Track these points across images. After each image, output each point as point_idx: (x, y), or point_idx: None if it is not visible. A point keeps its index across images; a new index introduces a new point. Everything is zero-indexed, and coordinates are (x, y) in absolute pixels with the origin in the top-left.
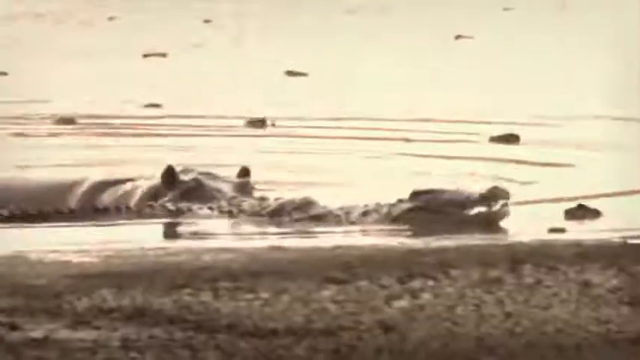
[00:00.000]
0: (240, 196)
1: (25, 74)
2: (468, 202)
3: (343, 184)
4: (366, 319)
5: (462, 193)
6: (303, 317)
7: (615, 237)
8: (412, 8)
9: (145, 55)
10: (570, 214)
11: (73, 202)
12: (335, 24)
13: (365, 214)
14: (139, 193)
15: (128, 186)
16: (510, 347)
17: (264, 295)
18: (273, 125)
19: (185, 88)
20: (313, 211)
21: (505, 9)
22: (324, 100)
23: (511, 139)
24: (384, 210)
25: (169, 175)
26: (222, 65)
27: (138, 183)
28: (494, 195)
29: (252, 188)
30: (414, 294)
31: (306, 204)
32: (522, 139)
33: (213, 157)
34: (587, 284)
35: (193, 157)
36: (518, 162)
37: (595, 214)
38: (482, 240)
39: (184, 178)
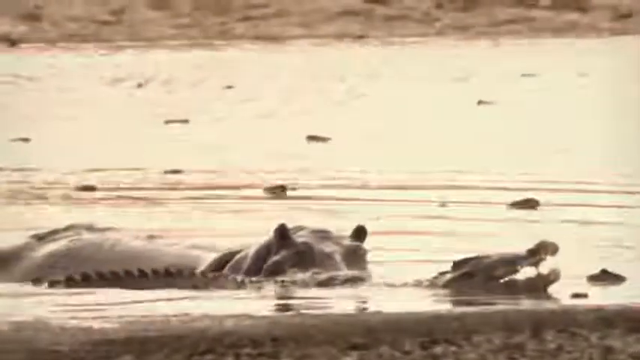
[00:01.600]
0: (352, 265)
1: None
2: (517, 259)
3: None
4: None
5: (507, 254)
6: None
7: (637, 302)
8: (436, 77)
9: (167, 122)
10: (593, 280)
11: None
12: (360, 89)
13: (405, 285)
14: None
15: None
16: None
17: None
18: (293, 190)
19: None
20: (361, 284)
21: (524, 75)
22: (348, 165)
23: (530, 204)
24: (426, 284)
25: (281, 233)
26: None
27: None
28: (543, 248)
29: (365, 253)
30: (437, 359)
31: (356, 278)
32: (542, 203)
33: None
34: (609, 350)
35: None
36: (538, 224)
37: (618, 279)
38: (510, 305)
39: (296, 239)
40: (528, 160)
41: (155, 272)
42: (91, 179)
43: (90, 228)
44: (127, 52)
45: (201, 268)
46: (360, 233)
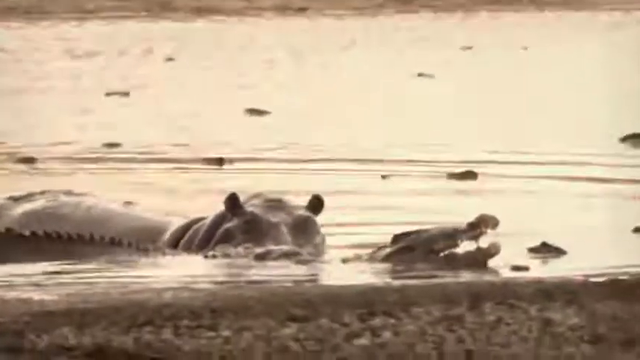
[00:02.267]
0: (300, 236)
1: None
2: (457, 232)
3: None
4: (327, 357)
5: (447, 228)
6: (264, 355)
7: (578, 275)
8: (374, 45)
9: (108, 94)
10: (534, 252)
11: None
12: (296, 60)
13: (346, 261)
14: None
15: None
16: None
17: (226, 332)
18: (230, 163)
19: (148, 126)
20: (299, 257)
21: (463, 48)
22: (286, 138)
23: (468, 176)
24: (365, 257)
25: (231, 203)
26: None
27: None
28: (484, 221)
29: (315, 224)
30: (375, 332)
31: (293, 253)
32: (480, 176)
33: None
34: (548, 322)
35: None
36: (477, 197)
37: (558, 251)
38: (448, 278)
39: (247, 208)
40: (468, 133)
41: (97, 239)
42: (31, 152)
43: (67, 193)
44: (70, 23)
45: (166, 235)
46: (316, 203)
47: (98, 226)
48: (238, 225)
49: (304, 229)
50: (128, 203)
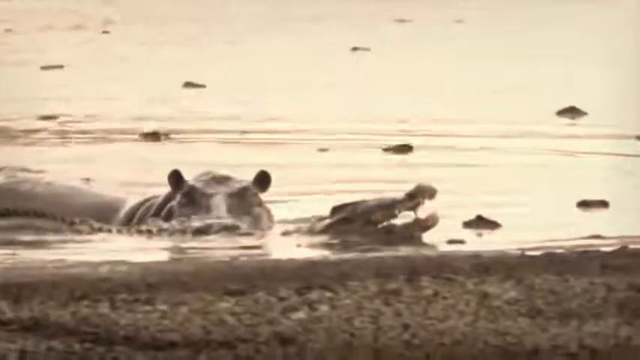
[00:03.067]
0: (238, 208)
1: None
2: (395, 203)
3: None
4: (264, 330)
5: (385, 199)
6: (201, 329)
7: (513, 248)
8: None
9: (43, 68)
10: (469, 225)
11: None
12: (232, 33)
13: (285, 234)
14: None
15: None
16: (408, 359)
17: (162, 307)
18: (166, 137)
19: (84, 99)
20: (237, 231)
21: (398, 21)
22: (223, 110)
23: (404, 149)
24: (303, 230)
25: (175, 179)
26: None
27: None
28: (421, 192)
29: (253, 196)
30: (312, 306)
31: (232, 227)
32: (416, 148)
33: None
34: (485, 296)
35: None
36: (414, 169)
37: (494, 225)
38: (380, 252)
39: (191, 182)
40: (402, 106)
41: (24, 213)
42: None
43: (24, 169)
44: None
45: (121, 212)
46: (262, 179)
47: (57, 202)
48: (178, 199)
49: (242, 199)
50: (87, 179)
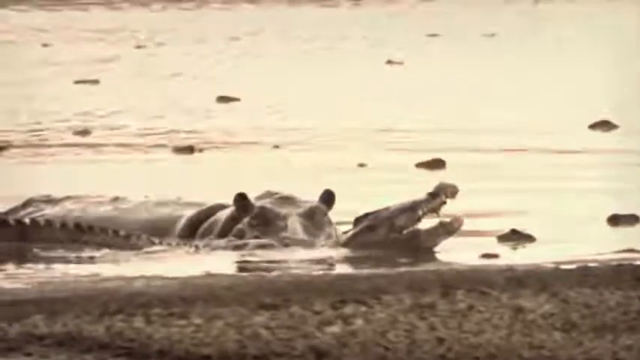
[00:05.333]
0: (310, 226)
1: None
2: (416, 204)
3: None
4: (299, 344)
5: (406, 202)
6: (235, 343)
7: (548, 262)
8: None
9: (77, 82)
10: (503, 239)
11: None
12: (267, 48)
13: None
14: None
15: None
16: None
17: (197, 321)
18: (200, 151)
19: (117, 114)
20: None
21: (429, 35)
22: (259, 124)
23: (437, 164)
24: (330, 242)
25: (241, 201)
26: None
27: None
28: (443, 189)
29: (324, 214)
30: (347, 320)
31: (267, 245)
32: (448, 162)
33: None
34: (519, 309)
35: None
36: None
37: (528, 238)
38: (414, 266)
39: (255, 203)
40: (435, 120)
41: (64, 225)
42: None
43: (49, 200)
44: (36, 10)
45: (177, 229)
46: (327, 197)
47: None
48: (248, 221)
49: (313, 219)
50: (116, 199)
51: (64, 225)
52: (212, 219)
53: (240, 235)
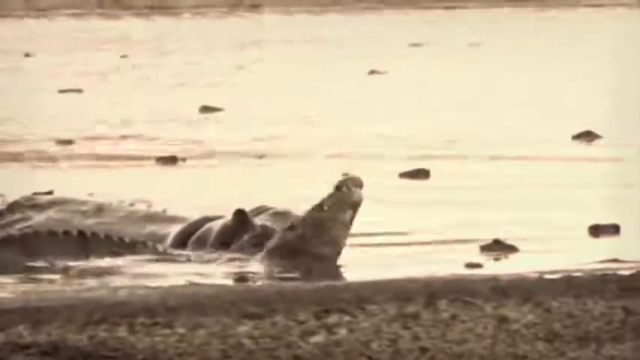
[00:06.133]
0: None
1: None
2: (323, 199)
3: None
4: (282, 354)
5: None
6: (219, 352)
7: (531, 272)
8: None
9: (61, 91)
10: (486, 249)
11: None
12: (248, 59)
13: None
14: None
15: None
16: None
17: (181, 330)
18: (183, 161)
19: (100, 123)
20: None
21: (412, 45)
22: (240, 135)
23: (421, 174)
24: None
25: (239, 219)
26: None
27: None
28: (345, 182)
29: None
30: (330, 329)
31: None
32: (433, 171)
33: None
34: (503, 319)
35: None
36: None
37: (511, 249)
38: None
39: (257, 221)
40: (420, 129)
41: (66, 233)
42: None
43: (34, 206)
44: (24, 21)
45: (168, 240)
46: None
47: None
48: (248, 240)
49: None
50: (100, 209)
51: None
52: (202, 230)
53: (242, 250)
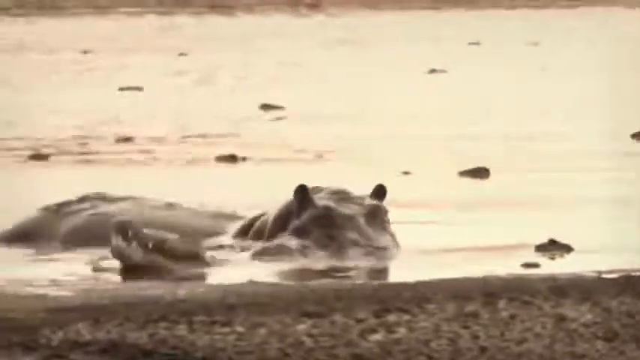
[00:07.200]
0: (373, 225)
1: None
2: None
3: None
4: (342, 352)
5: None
6: (278, 351)
7: (589, 271)
8: (386, 43)
9: (121, 89)
10: (542, 249)
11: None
12: (310, 57)
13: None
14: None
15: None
16: None
17: (240, 328)
18: (243, 160)
19: (161, 121)
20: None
21: (471, 43)
22: (301, 134)
23: (481, 173)
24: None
25: (302, 195)
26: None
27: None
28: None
29: (385, 213)
30: (390, 328)
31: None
32: (492, 170)
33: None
34: (561, 318)
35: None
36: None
37: (566, 248)
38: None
39: (317, 201)
40: (478, 128)
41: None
42: (43, 148)
43: (105, 198)
44: (80, 19)
45: (229, 234)
46: (379, 192)
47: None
48: (310, 219)
49: (377, 218)
50: (170, 205)
51: None
52: (259, 222)
53: (303, 232)
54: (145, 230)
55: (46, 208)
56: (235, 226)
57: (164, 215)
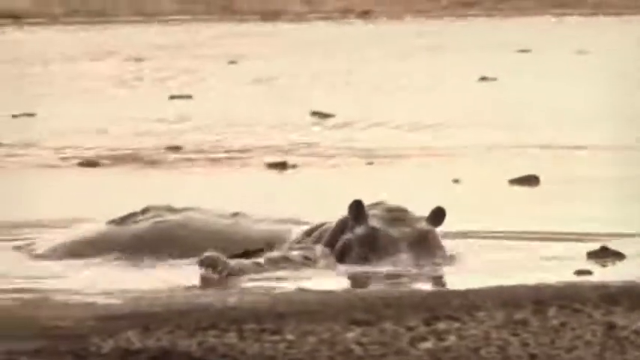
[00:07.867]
0: (421, 250)
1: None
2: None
3: None
4: None
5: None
6: (328, 359)
7: None
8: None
9: (171, 97)
10: (593, 256)
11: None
12: (361, 65)
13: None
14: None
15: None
16: None
17: (290, 336)
18: (293, 167)
19: (211, 129)
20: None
21: (520, 51)
22: (351, 142)
23: (531, 180)
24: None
25: (356, 210)
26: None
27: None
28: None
29: (435, 237)
30: (440, 336)
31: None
32: (542, 179)
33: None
34: (612, 326)
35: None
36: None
37: (618, 256)
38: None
39: (370, 219)
40: (527, 136)
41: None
42: (94, 155)
43: (169, 209)
44: (129, 27)
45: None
46: (437, 215)
47: (211, 245)
48: (357, 238)
49: (424, 243)
50: (235, 214)
51: None
52: (322, 229)
53: (347, 247)
54: (233, 262)
55: (111, 222)
56: (300, 233)
57: (229, 224)
